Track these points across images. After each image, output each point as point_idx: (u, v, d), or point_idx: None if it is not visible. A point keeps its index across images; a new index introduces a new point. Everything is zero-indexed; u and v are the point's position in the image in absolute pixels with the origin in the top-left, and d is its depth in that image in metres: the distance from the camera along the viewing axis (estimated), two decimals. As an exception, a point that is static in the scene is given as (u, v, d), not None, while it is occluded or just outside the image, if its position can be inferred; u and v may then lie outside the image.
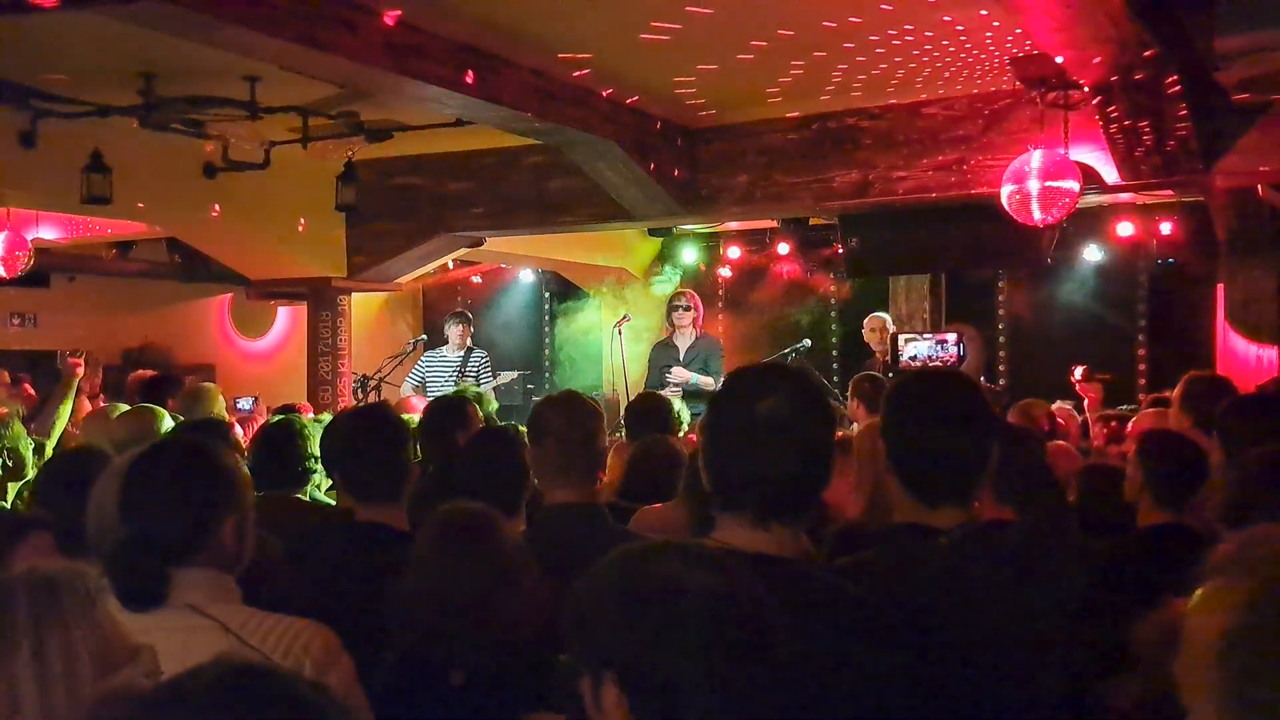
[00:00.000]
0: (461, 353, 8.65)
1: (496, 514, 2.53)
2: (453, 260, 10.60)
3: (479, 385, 8.40)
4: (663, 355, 8.14)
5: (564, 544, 2.64)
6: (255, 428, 5.75)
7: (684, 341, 8.17)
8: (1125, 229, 9.50)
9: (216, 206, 8.23)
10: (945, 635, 2.02)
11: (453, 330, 8.71)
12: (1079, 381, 6.63)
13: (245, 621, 2.04)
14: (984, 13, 5.39)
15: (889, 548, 2.17)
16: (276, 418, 4.97)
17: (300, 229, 8.80)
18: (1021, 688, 2.06)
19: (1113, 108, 5.64)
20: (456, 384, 8.23)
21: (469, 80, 5.85)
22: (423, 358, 8.96)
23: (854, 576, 2.10)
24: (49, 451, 5.56)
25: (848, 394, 6.68)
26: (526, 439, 3.09)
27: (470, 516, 2.50)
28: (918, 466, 2.14)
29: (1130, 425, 5.59)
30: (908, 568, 2.09)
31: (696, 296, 8.60)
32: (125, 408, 5.31)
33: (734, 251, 11.38)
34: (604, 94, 6.88)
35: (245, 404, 7.44)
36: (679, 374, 7.89)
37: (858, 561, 2.17)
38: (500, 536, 2.46)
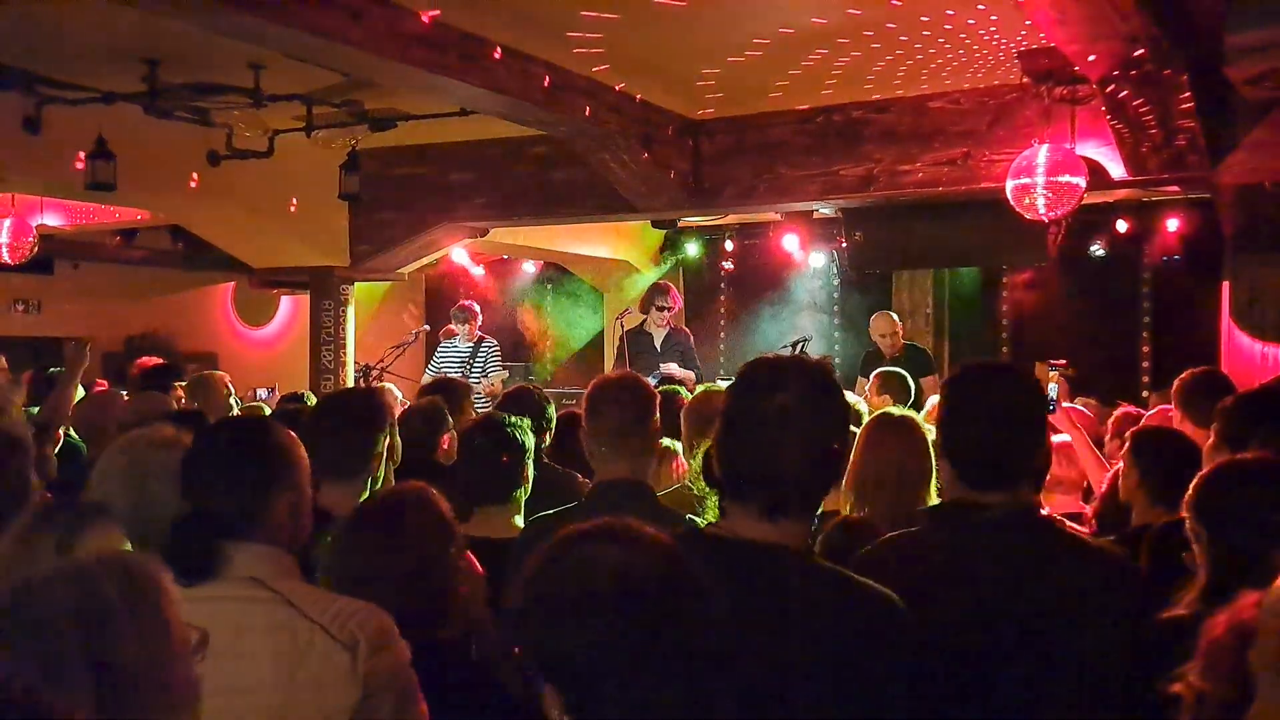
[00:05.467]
0: (472, 343, 8.67)
1: (420, 495, 2.48)
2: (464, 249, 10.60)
3: (486, 375, 8.43)
4: (637, 343, 8.22)
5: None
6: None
7: (659, 333, 8.25)
8: (1130, 225, 9.48)
9: (219, 194, 8.22)
10: (989, 607, 2.09)
11: (459, 327, 8.74)
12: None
13: (305, 596, 2.11)
14: (983, 7, 5.37)
15: (941, 523, 2.28)
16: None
17: (299, 216, 8.79)
18: (1063, 665, 2.10)
19: (1120, 103, 5.61)
20: (466, 375, 8.24)
21: (473, 70, 5.83)
22: (438, 349, 9.00)
23: (907, 548, 2.22)
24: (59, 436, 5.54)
25: (869, 389, 6.56)
26: (583, 416, 3.02)
27: (387, 499, 2.48)
28: (970, 457, 2.22)
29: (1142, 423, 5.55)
30: (958, 536, 2.20)
31: (678, 295, 8.60)
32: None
33: (737, 244, 11.36)
34: (609, 85, 6.86)
35: (263, 394, 7.68)
36: (672, 369, 7.92)
37: (911, 535, 2.29)
38: (418, 516, 2.42)
